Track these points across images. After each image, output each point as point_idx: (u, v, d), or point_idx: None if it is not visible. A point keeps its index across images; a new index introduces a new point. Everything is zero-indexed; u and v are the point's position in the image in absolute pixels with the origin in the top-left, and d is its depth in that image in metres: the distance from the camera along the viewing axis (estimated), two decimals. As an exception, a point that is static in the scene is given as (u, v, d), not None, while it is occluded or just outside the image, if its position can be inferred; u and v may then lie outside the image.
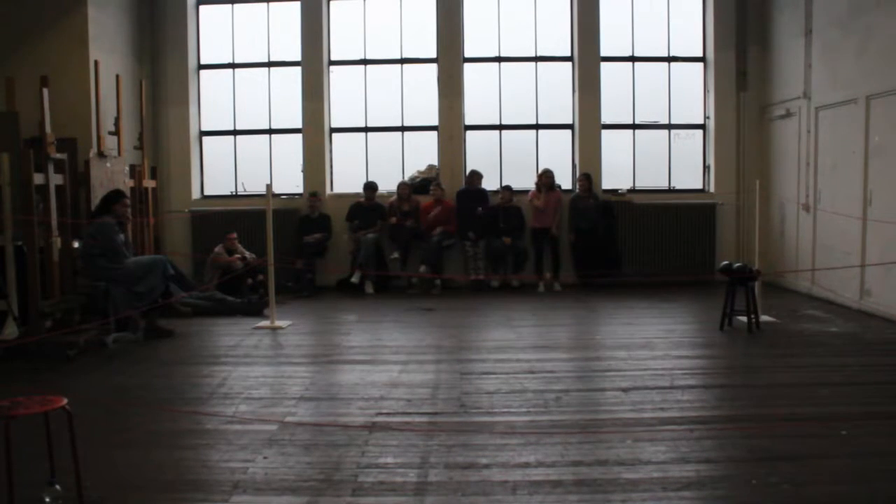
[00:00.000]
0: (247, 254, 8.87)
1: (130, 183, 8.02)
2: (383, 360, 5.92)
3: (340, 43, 10.53)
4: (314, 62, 10.30)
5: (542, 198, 9.69)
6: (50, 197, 6.47)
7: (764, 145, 10.07)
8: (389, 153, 10.52)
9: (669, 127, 10.44)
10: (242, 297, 8.44)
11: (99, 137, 7.57)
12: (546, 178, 9.78)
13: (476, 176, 10.00)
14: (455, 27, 10.27)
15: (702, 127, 10.50)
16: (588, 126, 10.27)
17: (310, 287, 9.50)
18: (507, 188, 9.92)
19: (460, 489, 3.37)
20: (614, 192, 10.26)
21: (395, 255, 9.73)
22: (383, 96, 10.48)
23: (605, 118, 10.32)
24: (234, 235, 8.94)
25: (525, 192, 10.07)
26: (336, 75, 10.56)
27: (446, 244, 9.74)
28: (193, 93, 10.50)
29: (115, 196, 6.86)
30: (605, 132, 10.32)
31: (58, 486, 3.18)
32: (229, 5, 10.50)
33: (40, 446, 3.26)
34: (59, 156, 6.66)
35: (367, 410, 4.60)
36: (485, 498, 3.28)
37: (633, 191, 10.36)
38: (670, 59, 10.39)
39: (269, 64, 10.55)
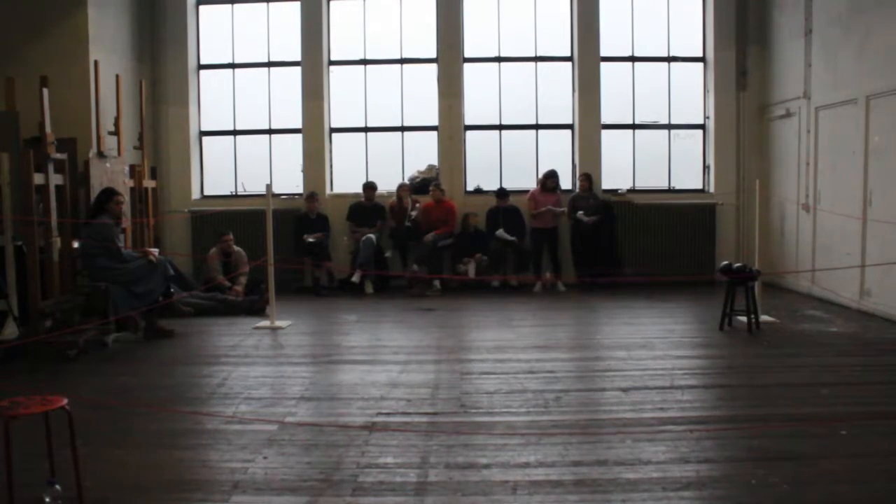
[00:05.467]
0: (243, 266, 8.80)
1: (130, 183, 8.02)
2: (383, 360, 5.92)
3: (340, 43, 10.54)
4: (314, 62, 10.30)
5: (543, 201, 9.75)
6: (50, 197, 6.47)
7: (764, 145, 10.07)
8: (389, 153, 10.53)
9: (669, 127, 10.44)
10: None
11: (99, 137, 7.57)
12: (552, 181, 9.80)
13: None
14: (455, 27, 10.27)
15: (702, 127, 10.50)
16: (588, 126, 10.28)
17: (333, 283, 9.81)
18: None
19: (460, 489, 3.37)
20: (614, 192, 10.26)
21: (388, 253, 9.75)
22: (383, 96, 10.48)
23: (605, 118, 10.32)
24: (230, 237, 8.91)
25: (524, 191, 10.09)
26: (336, 75, 10.57)
27: (442, 244, 9.74)
28: (193, 93, 10.51)
29: (107, 195, 6.83)
30: (605, 132, 10.33)
31: (58, 486, 3.18)
32: (229, 5, 10.51)
33: (40, 446, 3.27)
34: (59, 156, 6.65)
35: (367, 410, 4.60)
36: (485, 498, 3.28)
37: (633, 191, 10.36)
38: (670, 59, 10.39)
39: (269, 64, 10.55)
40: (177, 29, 10.27)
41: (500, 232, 9.63)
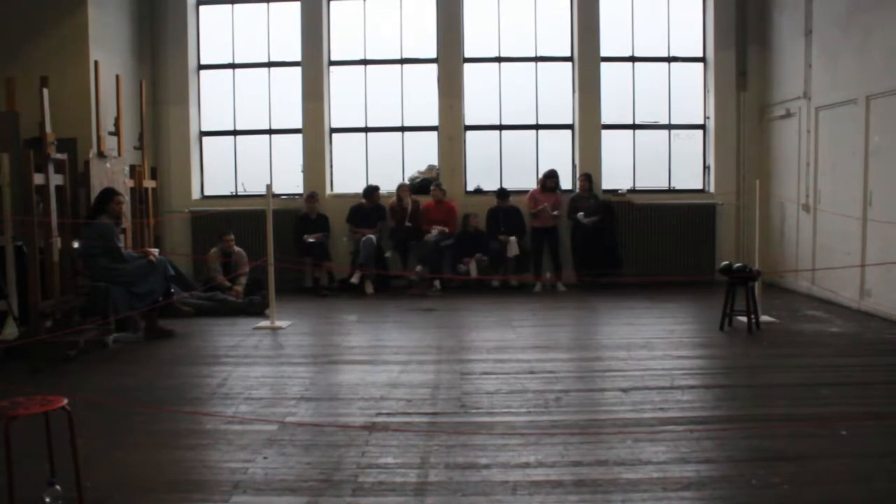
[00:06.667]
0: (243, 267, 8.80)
1: (130, 183, 8.02)
2: (383, 361, 5.92)
3: (340, 43, 10.54)
4: (314, 62, 10.30)
5: (543, 201, 9.76)
6: (50, 197, 6.46)
7: (764, 145, 10.07)
8: (389, 153, 10.53)
9: (669, 127, 10.44)
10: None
11: (99, 137, 7.56)
12: (552, 181, 9.82)
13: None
14: (455, 27, 10.27)
15: (702, 127, 10.50)
16: (588, 126, 10.28)
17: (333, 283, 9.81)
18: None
19: (460, 489, 3.37)
20: (614, 192, 10.26)
21: (388, 254, 9.75)
22: (383, 96, 10.48)
23: (605, 118, 10.32)
24: (231, 237, 8.92)
25: (524, 191, 10.09)
26: (336, 75, 10.57)
27: (444, 244, 9.74)
28: (193, 93, 10.51)
29: (108, 194, 6.83)
30: (605, 132, 10.33)
31: (58, 487, 3.18)
32: (229, 5, 10.50)
33: (40, 446, 3.27)
34: (59, 156, 6.65)
35: (367, 411, 4.60)
36: (485, 498, 3.28)
37: (633, 191, 10.36)
38: (670, 59, 10.39)
39: (269, 64, 10.55)
40: (177, 29, 10.27)
41: (512, 245, 9.59)
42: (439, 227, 9.68)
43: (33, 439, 3.34)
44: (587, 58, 10.22)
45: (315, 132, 10.36)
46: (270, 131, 10.62)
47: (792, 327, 7.09)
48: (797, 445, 3.88)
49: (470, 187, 10.51)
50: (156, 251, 7.15)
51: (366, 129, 10.55)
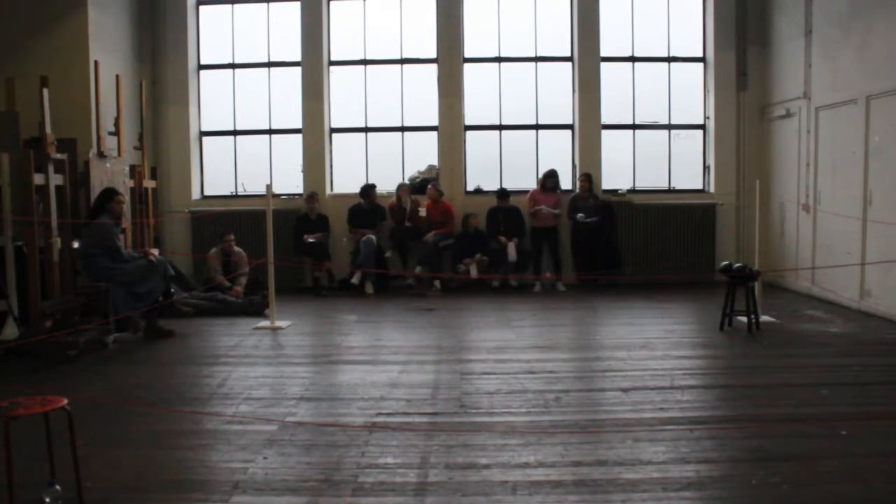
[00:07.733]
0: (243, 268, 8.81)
1: (130, 183, 8.02)
2: (383, 361, 5.92)
3: (340, 43, 10.54)
4: (314, 62, 10.30)
5: (542, 201, 9.76)
6: (50, 197, 6.47)
7: (764, 145, 10.07)
8: (389, 153, 10.53)
9: (669, 127, 10.44)
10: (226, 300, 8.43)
11: (99, 137, 7.57)
12: (552, 181, 9.82)
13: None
14: (455, 27, 10.27)
15: (702, 127, 10.50)
16: (588, 126, 10.27)
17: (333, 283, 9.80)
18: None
19: (460, 489, 3.37)
20: (614, 192, 10.26)
21: (388, 253, 9.76)
22: (383, 96, 10.48)
23: (605, 118, 10.32)
24: (231, 237, 8.93)
25: (524, 192, 10.09)
26: (336, 75, 10.57)
27: (443, 245, 9.74)
28: (193, 93, 10.51)
29: (108, 194, 6.83)
30: (605, 132, 10.33)
31: (58, 487, 3.18)
32: (229, 5, 10.51)
33: (40, 446, 3.27)
34: (59, 156, 6.65)
35: (367, 411, 4.60)
36: (485, 498, 3.28)
37: (633, 191, 10.36)
38: (670, 59, 10.39)
39: (269, 64, 10.55)
40: (177, 29, 10.27)
41: (510, 250, 9.60)
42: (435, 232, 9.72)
43: (33, 439, 3.34)
44: (587, 58, 10.22)
45: (315, 132, 10.36)
46: (270, 131, 10.62)
47: (792, 327, 7.09)
48: (797, 445, 3.88)
49: (470, 187, 10.52)
50: (156, 251, 7.15)
51: (366, 129, 10.55)
